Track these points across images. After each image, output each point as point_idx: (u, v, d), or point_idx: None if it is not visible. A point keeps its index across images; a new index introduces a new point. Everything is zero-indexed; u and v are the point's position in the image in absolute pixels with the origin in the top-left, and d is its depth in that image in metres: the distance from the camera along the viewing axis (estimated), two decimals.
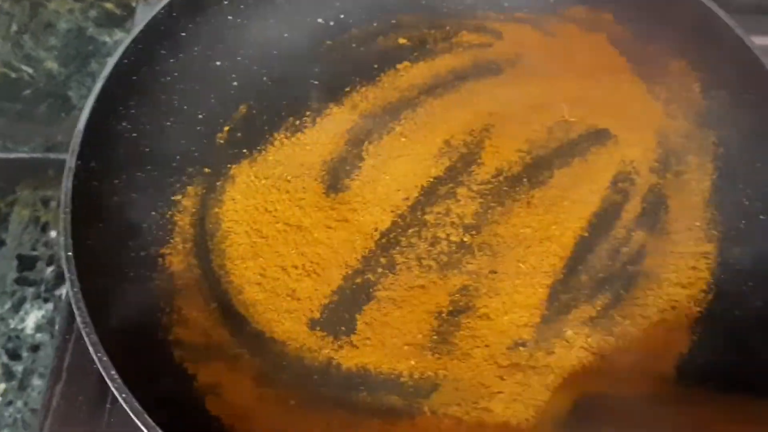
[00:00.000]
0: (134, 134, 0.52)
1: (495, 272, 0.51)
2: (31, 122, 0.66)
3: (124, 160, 0.51)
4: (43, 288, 0.58)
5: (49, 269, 0.59)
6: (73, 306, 0.41)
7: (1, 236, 0.60)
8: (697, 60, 0.56)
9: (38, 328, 0.56)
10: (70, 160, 0.46)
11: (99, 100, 0.49)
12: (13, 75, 0.69)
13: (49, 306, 0.57)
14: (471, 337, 0.49)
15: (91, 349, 0.40)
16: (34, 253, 0.59)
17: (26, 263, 0.59)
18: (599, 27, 0.60)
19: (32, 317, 0.56)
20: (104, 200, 0.49)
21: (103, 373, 0.40)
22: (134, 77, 0.52)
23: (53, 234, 0.60)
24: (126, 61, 0.51)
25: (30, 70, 0.69)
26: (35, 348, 0.55)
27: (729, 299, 0.49)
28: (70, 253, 0.43)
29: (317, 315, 0.49)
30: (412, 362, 0.48)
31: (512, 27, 0.61)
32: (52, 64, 0.70)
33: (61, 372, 0.51)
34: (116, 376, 0.39)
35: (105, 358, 0.40)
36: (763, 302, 0.48)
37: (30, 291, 0.57)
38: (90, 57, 0.71)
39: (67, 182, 0.45)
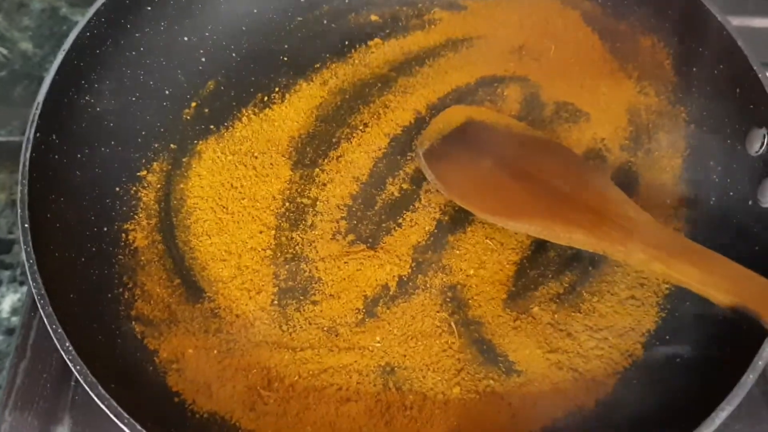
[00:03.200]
0: (98, 108, 0.51)
1: (461, 248, 0.50)
2: (7, 104, 0.65)
3: (87, 135, 0.50)
4: (18, 271, 0.57)
5: None
6: (29, 278, 0.41)
7: None
8: (668, 37, 0.56)
9: (14, 311, 0.55)
10: (29, 130, 0.45)
11: (60, 72, 0.48)
12: None
13: (25, 289, 0.56)
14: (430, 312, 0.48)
15: (45, 321, 0.40)
16: (11, 236, 0.58)
17: (2, 246, 0.58)
18: (574, 4, 0.60)
19: (8, 300, 0.56)
20: (66, 174, 0.48)
21: (58, 346, 0.39)
22: (98, 50, 0.51)
23: None
24: (89, 33, 0.50)
25: (4, 51, 0.68)
26: (10, 331, 0.55)
27: None
28: (26, 225, 0.42)
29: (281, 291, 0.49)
30: (377, 338, 0.47)
31: (485, 4, 0.61)
32: (26, 45, 0.69)
33: (26, 350, 0.51)
34: (70, 348, 0.39)
35: (60, 330, 0.39)
36: None
37: (6, 274, 0.57)
38: (64, 37, 0.68)
39: (25, 153, 0.45)
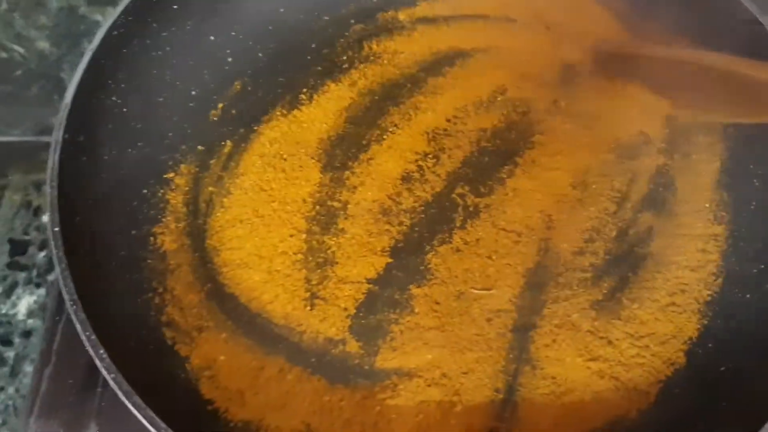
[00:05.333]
0: (124, 109, 0.50)
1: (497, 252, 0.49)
2: (23, 104, 0.65)
3: (114, 136, 0.49)
4: (35, 273, 0.56)
5: (42, 254, 0.57)
6: (60, 284, 0.40)
7: None
8: (704, 37, 0.54)
9: (30, 313, 0.55)
10: (57, 133, 0.44)
11: (87, 72, 0.47)
12: (4, 55, 0.67)
13: (42, 291, 0.56)
14: (467, 320, 0.47)
15: (78, 327, 0.39)
16: (26, 237, 0.58)
17: (18, 248, 0.57)
18: (608, 4, 0.59)
19: (24, 303, 0.55)
20: (93, 177, 0.47)
21: (92, 353, 0.38)
22: (124, 50, 0.50)
23: (45, 218, 0.58)
24: (116, 33, 0.49)
25: (21, 50, 0.67)
26: (27, 334, 0.54)
27: (739, 282, 0.48)
28: (57, 229, 0.41)
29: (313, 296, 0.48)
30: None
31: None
32: (43, 44, 0.68)
33: (50, 355, 0.50)
34: (105, 356, 0.38)
35: (93, 337, 0.38)
36: None
37: (22, 276, 0.56)
38: (82, 36, 0.69)
39: (54, 156, 0.44)
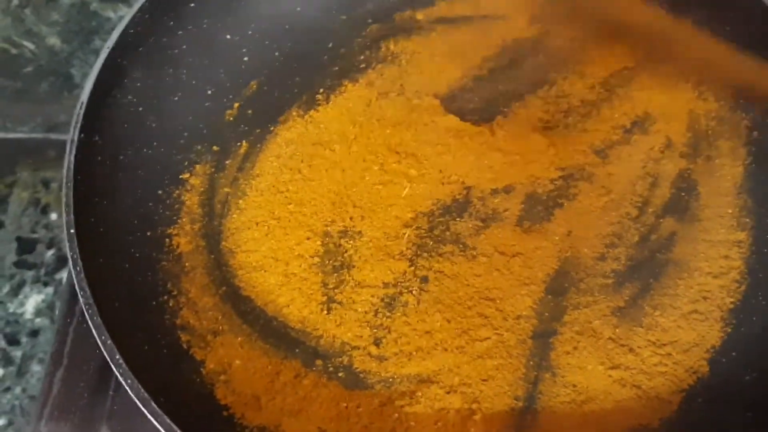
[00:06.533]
0: (140, 108, 0.49)
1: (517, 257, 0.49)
2: (32, 101, 0.64)
3: (130, 136, 0.48)
4: (43, 272, 0.56)
5: (50, 252, 0.57)
6: (77, 287, 0.39)
7: (0, 218, 0.57)
8: (729, 39, 0.54)
9: (38, 312, 0.54)
10: (73, 132, 0.43)
11: (104, 71, 0.46)
12: (14, 51, 0.66)
13: (49, 290, 0.55)
14: (486, 326, 0.47)
15: (95, 332, 0.38)
16: (34, 235, 0.57)
17: (26, 246, 0.57)
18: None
19: (32, 301, 0.54)
20: (108, 177, 0.46)
21: (108, 358, 0.38)
22: (140, 48, 0.49)
23: (54, 216, 0.58)
24: (132, 31, 0.48)
25: (31, 46, 0.67)
26: (35, 333, 0.53)
27: (763, 290, 0.47)
28: (72, 231, 0.41)
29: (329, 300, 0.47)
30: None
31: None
32: (54, 40, 0.67)
33: (62, 357, 0.49)
34: (121, 362, 0.37)
35: (109, 342, 0.38)
36: None
37: (29, 274, 0.56)
38: (93, 33, 0.68)
39: (69, 156, 0.43)
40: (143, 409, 0.36)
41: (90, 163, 0.45)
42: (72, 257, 0.40)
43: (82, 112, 0.44)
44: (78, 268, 0.39)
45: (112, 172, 0.47)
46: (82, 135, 0.44)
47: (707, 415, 0.44)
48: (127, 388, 0.37)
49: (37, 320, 0.54)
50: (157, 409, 0.36)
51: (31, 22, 0.68)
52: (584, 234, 0.49)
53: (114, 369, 0.37)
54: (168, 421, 0.36)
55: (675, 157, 0.53)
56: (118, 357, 0.37)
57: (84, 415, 0.47)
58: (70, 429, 0.47)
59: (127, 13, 0.49)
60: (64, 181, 0.42)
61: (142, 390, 0.36)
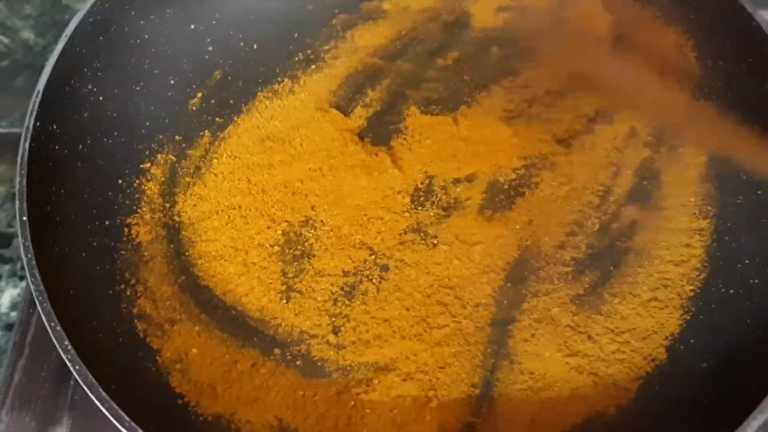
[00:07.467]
0: (100, 98, 0.49)
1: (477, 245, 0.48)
2: (9, 94, 0.64)
3: (89, 125, 0.48)
4: (18, 266, 0.55)
5: None
6: (27, 273, 0.39)
7: None
8: (693, 29, 0.54)
9: (13, 306, 0.54)
10: (29, 121, 0.43)
11: (61, 59, 0.46)
12: None
13: (24, 284, 0.55)
14: (445, 314, 0.47)
15: (44, 318, 0.38)
16: (11, 230, 0.57)
17: (2, 240, 0.56)
18: None
19: (7, 295, 0.54)
20: (66, 166, 0.46)
21: (56, 344, 0.37)
22: (101, 37, 0.49)
23: None
24: (92, 19, 0.48)
25: (6, 40, 0.67)
26: (10, 327, 0.53)
27: (723, 277, 0.47)
28: (25, 218, 0.40)
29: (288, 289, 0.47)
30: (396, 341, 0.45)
31: None
32: (28, 34, 0.67)
33: (24, 347, 0.49)
34: (70, 347, 0.37)
35: (58, 328, 0.37)
36: (759, 280, 0.45)
37: (5, 269, 0.55)
38: (67, 26, 0.68)
39: (24, 144, 0.43)
40: (91, 395, 0.36)
41: (46, 152, 0.45)
42: (24, 244, 0.40)
43: (38, 100, 0.44)
44: (29, 255, 0.39)
45: (69, 160, 0.47)
46: (38, 123, 0.44)
47: (663, 402, 0.44)
48: (74, 374, 0.37)
49: (13, 314, 0.54)
50: (105, 395, 0.36)
51: (4, 16, 0.68)
52: (545, 222, 0.49)
53: (62, 355, 0.37)
54: (115, 406, 0.36)
55: (639, 147, 0.53)
56: (66, 343, 0.37)
57: (46, 405, 0.47)
58: (31, 419, 0.47)
59: (87, 2, 0.48)
60: (18, 168, 0.42)
61: (90, 376, 0.36)
